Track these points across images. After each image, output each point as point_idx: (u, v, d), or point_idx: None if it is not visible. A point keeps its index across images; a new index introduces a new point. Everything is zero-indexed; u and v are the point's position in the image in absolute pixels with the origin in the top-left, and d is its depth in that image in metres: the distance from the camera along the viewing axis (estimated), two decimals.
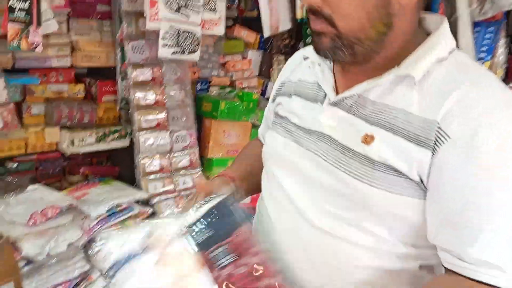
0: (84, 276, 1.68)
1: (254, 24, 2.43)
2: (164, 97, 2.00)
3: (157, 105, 2.00)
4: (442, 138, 0.65)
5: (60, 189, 1.94)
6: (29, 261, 1.52)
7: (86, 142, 1.87)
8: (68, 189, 1.87)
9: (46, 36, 1.66)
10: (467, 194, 0.64)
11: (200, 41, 1.83)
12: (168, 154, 2.03)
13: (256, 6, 2.49)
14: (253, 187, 0.97)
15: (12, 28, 1.38)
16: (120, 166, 2.17)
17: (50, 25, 1.49)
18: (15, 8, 1.41)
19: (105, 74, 2.02)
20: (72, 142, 1.83)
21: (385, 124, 0.70)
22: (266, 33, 2.24)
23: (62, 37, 1.81)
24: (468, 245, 0.65)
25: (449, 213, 0.66)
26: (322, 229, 0.74)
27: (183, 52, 1.80)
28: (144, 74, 1.94)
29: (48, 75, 1.85)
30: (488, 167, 0.63)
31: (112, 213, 1.76)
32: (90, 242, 1.69)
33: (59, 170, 1.99)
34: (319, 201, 0.75)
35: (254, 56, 2.65)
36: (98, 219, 1.71)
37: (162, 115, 2.01)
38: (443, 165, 0.65)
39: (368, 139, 0.71)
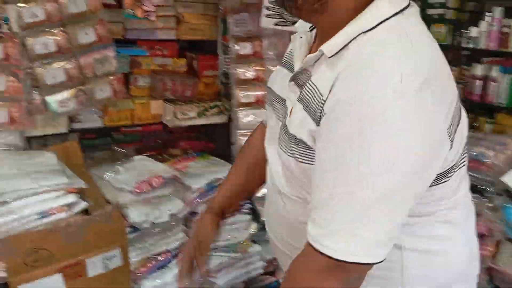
0: (183, 248, 1.69)
1: None
2: (264, 73, 1.94)
3: (256, 81, 1.94)
4: (323, 114, 0.66)
5: (160, 161, 1.97)
6: (134, 229, 1.55)
7: (188, 116, 1.87)
8: (170, 161, 1.89)
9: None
10: (323, 167, 0.66)
11: None
12: None
13: None
14: (243, 198, 1.11)
15: None
16: (216, 141, 2.16)
17: None
18: None
19: (206, 48, 2.01)
20: (175, 115, 1.84)
21: (303, 99, 0.73)
22: None
23: (168, 9, 1.81)
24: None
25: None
26: (282, 192, 0.82)
27: (285, 22, 1.72)
28: (246, 48, 1.89)
29: (154, 48, 1.87)
30: (335, 141, 0.63)
31: (210, 187, 1.74)
32: (191, 214, 1.69)
33: (160, 143, 2.02)
34: (282, 170, 0.82)
35: None
36: (198, 193, 1.70)
37: (261, 91, 1.95)
38: (318, 139, 0.68)
39: (290, 113, 0.76)
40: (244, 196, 1.11)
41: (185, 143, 2.09)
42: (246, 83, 1.93)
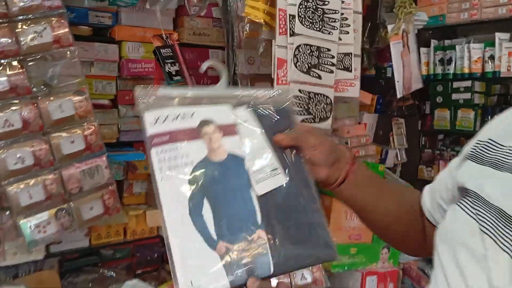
0: None
1: (369, 83, 2.09)
2: None
3: None
4: None
5: (157, 279, 1.65)
6: None
7: None
8: (167, 282, 1.56)
9: None
10: None
11: (333, 106, 1.50)
12: None
13: (375, 63, 2.19)
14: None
15: None
16: None
17: None
18: None
19: None
20: None
21: None
22: (399, 93, 1.91)
23: None
24: None
25: None
26: None
27: (314, 119, 1.48)
28: None
29: None
30: None
31: None
32: None
33: (157, 257, 1.70)
34: None
35: (370, 119, 2.30)
36: None
37: None
38: None
39: None
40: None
41: None
42: None
